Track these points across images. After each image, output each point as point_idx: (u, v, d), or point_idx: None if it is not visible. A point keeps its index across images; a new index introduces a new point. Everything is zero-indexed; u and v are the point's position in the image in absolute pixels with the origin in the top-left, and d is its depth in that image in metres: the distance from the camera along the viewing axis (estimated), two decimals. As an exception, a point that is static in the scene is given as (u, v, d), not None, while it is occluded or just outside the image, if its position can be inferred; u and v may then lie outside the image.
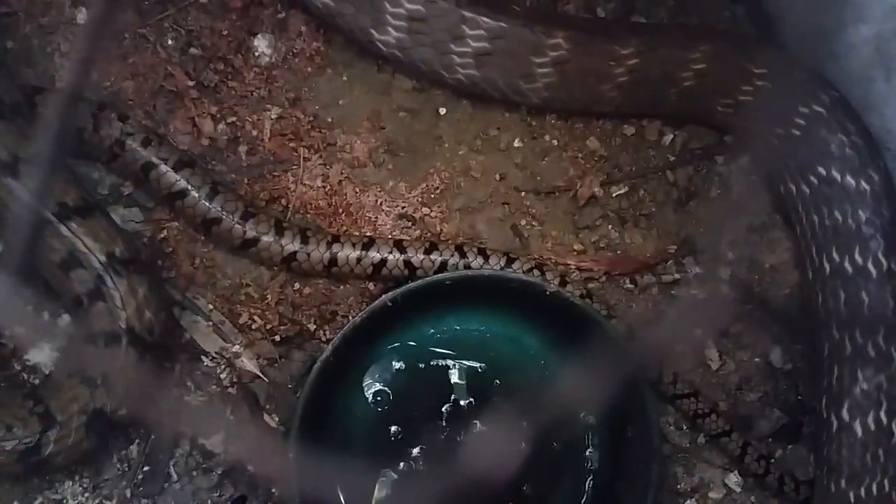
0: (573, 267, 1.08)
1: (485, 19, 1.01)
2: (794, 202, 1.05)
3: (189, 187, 1.03)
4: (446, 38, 1.02)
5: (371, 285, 1.07)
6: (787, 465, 1.06)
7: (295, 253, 1.04)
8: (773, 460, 1.06)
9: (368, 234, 1.08)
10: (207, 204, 1.03)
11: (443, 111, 1.10)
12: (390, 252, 1.05)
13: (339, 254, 1.04)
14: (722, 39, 1.07)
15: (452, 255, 1.05)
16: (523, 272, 1.05)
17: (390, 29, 1.03)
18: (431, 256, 1.05)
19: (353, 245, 1.05)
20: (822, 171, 1.01)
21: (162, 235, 1.06)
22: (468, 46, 1.02)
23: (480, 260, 1.05)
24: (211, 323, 1.06)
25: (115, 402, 0.96)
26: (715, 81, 1.05)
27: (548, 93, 1.05)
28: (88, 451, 0.99)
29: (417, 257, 1.05)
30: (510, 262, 1.06)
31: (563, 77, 1.04)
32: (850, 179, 1.00)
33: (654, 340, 0.52)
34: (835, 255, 1.00)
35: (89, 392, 0.95)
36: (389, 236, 1.08)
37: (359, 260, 1.05)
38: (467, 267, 1.05)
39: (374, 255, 1.05)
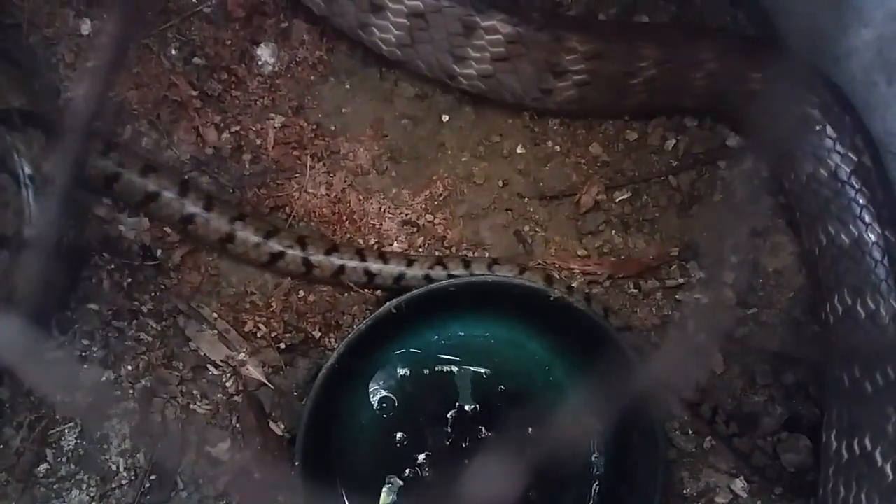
0: (577, 271, 1.09)
1: (582, 42, 1.02)
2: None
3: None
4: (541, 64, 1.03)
5: (378, 292, 1.07)
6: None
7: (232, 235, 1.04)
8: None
9: (374, 240, 1.08)
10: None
11: (445, 118, 1.10)
12: (290, 247, 1.05)
13: (238, 233, 1.04)
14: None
15: (410, 266, 1.05)
16: (489, 271, 1.05)
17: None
18: (369, 264, 1.05)
19: (256, 230, 1.04)
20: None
21: (167, 244, 1.07)
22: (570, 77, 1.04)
23: (439, 269, 1.05)
24: (216, 331, 1.07)
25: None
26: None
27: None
28: None
29: (317, 257, 1.05)
30: (466, 265, 1.05)
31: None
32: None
33: (665, 358, 0.52)
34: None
35: None
36: (396, 244, 1.08)
37: (257, 245, 1.04)
38: (427, 277, 1.05)
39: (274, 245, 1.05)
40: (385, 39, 1.04)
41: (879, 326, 0.96)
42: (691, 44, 1.06)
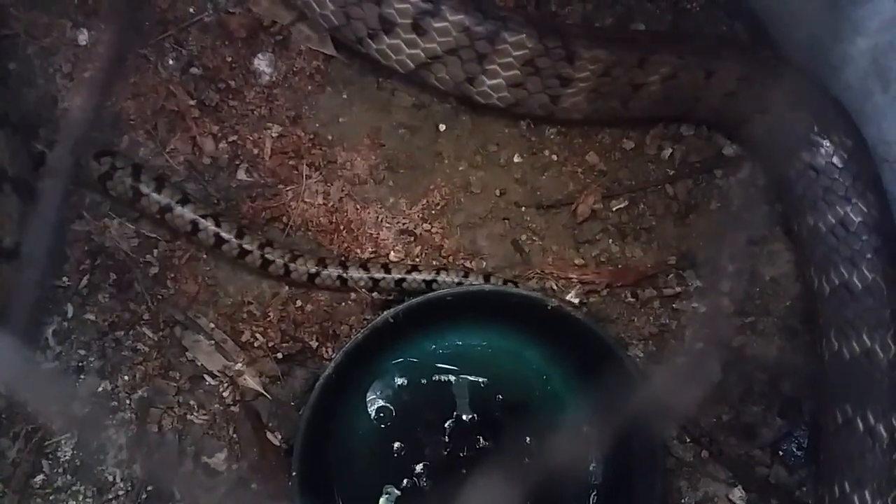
0: (575, 280, 1.09)
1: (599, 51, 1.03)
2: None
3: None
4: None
5: (375, 294, 1.07)
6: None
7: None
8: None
9: (371, 249, 1.08)
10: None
11: (442, 127, 1.10)
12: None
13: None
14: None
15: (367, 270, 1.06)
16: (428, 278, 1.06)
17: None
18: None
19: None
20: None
21: (163, 254, 1.07)
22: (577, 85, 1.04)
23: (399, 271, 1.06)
24: (213, 341, 1.06)
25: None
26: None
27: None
28: None
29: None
30: (413, 269, 1.06)
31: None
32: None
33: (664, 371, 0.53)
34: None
35: None
36: (392, 253, 1.08)
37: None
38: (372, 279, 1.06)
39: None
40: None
41: (874, 364, 0.96)
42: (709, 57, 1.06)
